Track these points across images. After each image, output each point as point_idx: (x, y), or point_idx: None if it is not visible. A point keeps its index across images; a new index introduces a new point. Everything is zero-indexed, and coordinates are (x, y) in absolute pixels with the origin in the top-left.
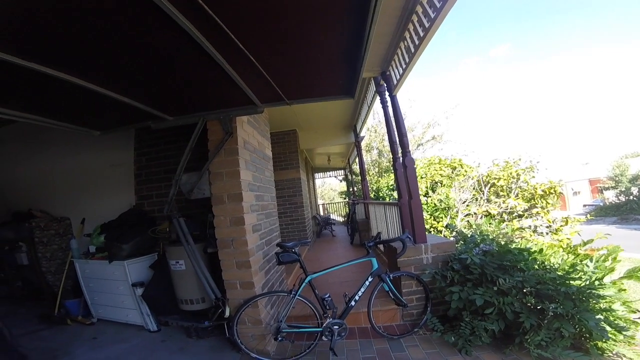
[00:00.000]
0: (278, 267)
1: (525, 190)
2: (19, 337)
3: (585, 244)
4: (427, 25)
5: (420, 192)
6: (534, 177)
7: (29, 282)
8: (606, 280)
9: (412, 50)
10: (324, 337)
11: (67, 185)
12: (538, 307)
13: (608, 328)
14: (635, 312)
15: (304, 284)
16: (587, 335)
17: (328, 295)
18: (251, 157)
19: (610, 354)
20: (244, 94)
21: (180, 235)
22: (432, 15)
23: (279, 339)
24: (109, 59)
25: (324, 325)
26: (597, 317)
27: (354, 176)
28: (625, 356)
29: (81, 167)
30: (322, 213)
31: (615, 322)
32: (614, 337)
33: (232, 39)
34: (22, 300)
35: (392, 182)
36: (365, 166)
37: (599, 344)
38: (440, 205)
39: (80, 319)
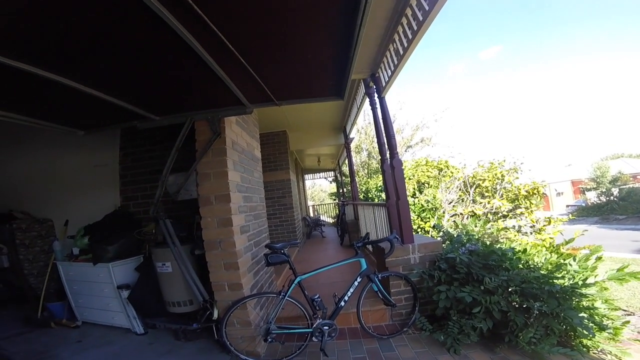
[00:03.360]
0: (267, 268)
1: (510, 191)
2: (2, 340)
3: (567, 243)
4: (415, 27)
5: (408, 193)
6: (517, 178)
7: (10, 284)
8: (590, 280)
9: (401, 52)
10: (314, 338)
11: (50, 186)
12: (524, 306)
13: (592, 325)
14: (617, 310)
15: (293, 285)
16: (572, 332)
17: (318, 296)
18: (239, 158)
19: (596, 351)
20: (232, 94)
21: (166, 237)
22: (421, 18)
23: (269, 340)
24: (93, 57)
25: (314, 326)
26: (581, 315)
27: (343, 177)
28: (611, 353)
29: (64, 168)
30: (312, 214)
31: (599, 319)
32: (598, 334)
33: (222, 39)
34: (4, 303)
35: (380, 184)
36: (355, 167)
37: (584, 341)
38: (428, 205)
39: (65, 322)
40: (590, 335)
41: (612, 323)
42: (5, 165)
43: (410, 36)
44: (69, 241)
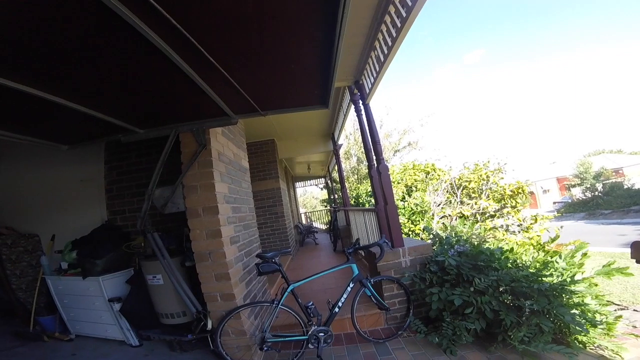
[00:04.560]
0: (260, 277)
1: (495, 191)
2: None
3: (552, 240)
4: (394, 34)
5: (397, 197)
6: (502, 178)
7: None
8: (578, 277)
9: (382, 59)
10: (310, 345)
11: (35, 201)
12: (515, 305)
13: (584, 322)
14: (609, 305)
15: (286, 293)
16: (566, 330)
17: (311, 303)
18: (227, 169)
19: (592, 347)
20: (216, 105)
21: (155, 250)
22: (399, 25)
23: (265, 348)
24: (75, 72)
25: (310, 333)
26: (572, 311)
27: (334, 184)
28: (607, 348)
29: (49, 183)
30: (304, 222)
31: (591, 316)
32: (592, 330)
33: (202, 52)
34: None
35: (370, 189)
36: (345, 173)
37: (579, 337)
38: (417, 209)
39: (58, 335)
40: (584, 332)
41: (605, 318)
42: None
43: (390, 43)
44: (57, 256)
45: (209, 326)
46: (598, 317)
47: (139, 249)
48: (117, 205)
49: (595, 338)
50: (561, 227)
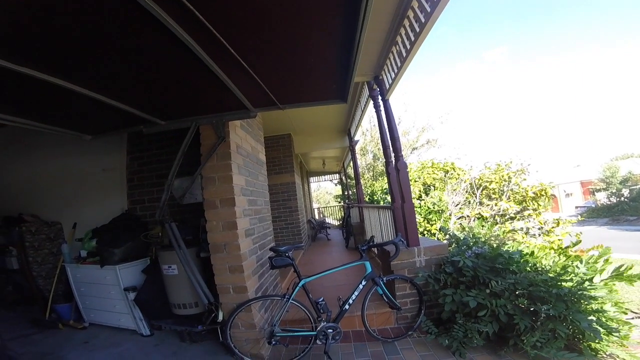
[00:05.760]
0: (272, 271)
1: (517, 192)
2: (9, 341)
3: (574, 245)
4: (418, 29)
5: (413, 196)
6: (525, 179)
7: (19, 286)
8: (595, 280)
9: (404, 54)
10: (318, 341)
11: (58, 189)
12: (531, 309)
13: (600, 329)
14: (626, 313)
15: (297, 287)
16: (580, 336)
17: (322, 299)
18: (244, 162)
19: (604, 355)
20: (236, 98)
21: (172, 240)
22: (423, 20)
23: (273, 342)
24: (99, 63)
25: (318, 329)
26: (589, 318)
27: (348, 180)
28: (618, 357)
29: (72, 171)
30: (317, 217)
31: (607, 323)
32: (606, 338)
33: (224, 45)
34: (13, 305)
35: (386, 186)
36: (360, 170)
37: (592, 344)
38: (434, 208)
39: (72, 323)
40: (598, 339)
41: (622, 326)
42: (15, 169)
43: (412, 38)
44: (77, 244)
45: (220, 318)
46: (614, 325)
47: (157, 239)
48: (137, 195)
49: (609, 346)
50: (580, 233)
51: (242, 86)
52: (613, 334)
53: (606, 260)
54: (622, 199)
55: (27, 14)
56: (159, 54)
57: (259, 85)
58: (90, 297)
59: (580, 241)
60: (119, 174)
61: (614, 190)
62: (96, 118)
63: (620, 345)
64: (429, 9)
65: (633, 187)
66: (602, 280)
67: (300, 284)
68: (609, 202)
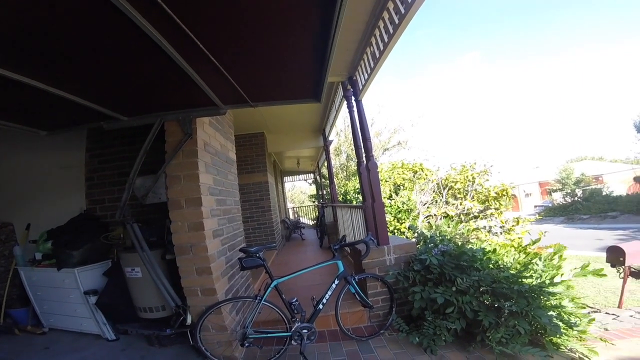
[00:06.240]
0: (243, 272)
1: (480, 192)
2: None
3: (533, 242)
4: (392, 30)
5: (384, 195)
6: (488, 180)
7: None
8: (557, 279)
9: (377, 55)
10: (293, 342)
11: (10, 188)
12: (495, 305)
13: (560, 324)
14: (584, 308)
15: (269, 288)
16: (542, 331)
17: (295, 299)
18: (212, 160)
19: (565, 349)
20: (205, 95)
21: (134, 241)
22: (397, 21)
23: (246, 344)
24: (56, 55)
25: (293, 329)
26: (549, 313)
27: (323, 179)
28: (577, 351)
29: (25, 169)
30: (291, 216)
31: (567, 318)
32: (566, 333)
33: (192, 39)
34: None
35: (358, 186)
36: (334, 170)
37: (554, 339)
38: (403, 207)
39: (30, 329)
40: (559, 334)
41: (580, 321)
42: None
43: (386, 39)
44: (31, 246)
45: (189, 321)
46: (573, 319)
47: (118, 241)
48: (97, 195)
49: (569, 340)
50: (545, 232)
51: (211, 82)
52: (573, 328)
53: (560, 257)
54: (576, 198)
55: None
56: (122, 46)
57: (229, 82)
58: (49, 301)
59: (540, 239)
60: (77, 171)
61: (568, 191)
62: (52, 113)
63: (580, 340)
64: (403, 11)
65: (585, 188)
66: (562, 280)
67: (272, 285)
68: (564, 202)
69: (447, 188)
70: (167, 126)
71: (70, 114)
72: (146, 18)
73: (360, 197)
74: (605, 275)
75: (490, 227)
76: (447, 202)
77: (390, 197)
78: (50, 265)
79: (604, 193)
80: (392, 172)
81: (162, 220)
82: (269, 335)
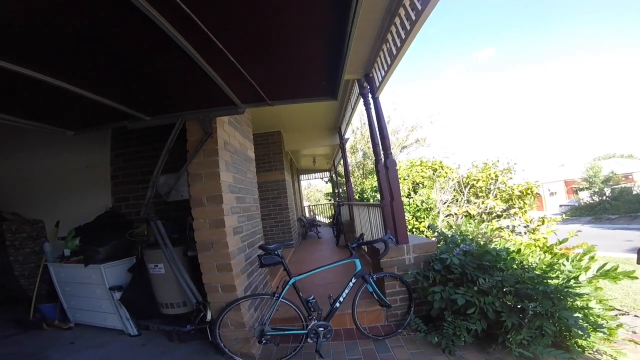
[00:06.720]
0: (261, 269)
1: (504, 191)
2: None
3: (560, 242)
4: (408, 27)
5: (402, 193)
6: (511, 178)
7: (1, 286)
8: (581, 278)
9: (394, 52)
10: (309, 339)
11: (41, 187)
12: (518, 306)
13: (587, 326)
14: (612, 310)
15: (287, 286)
16: (567, 333)
17: (312, 297)
18: (232, 159)
19: (591, 351)
20: (224, 94)
21: (158, 238)
22: (414, 18)
23: (263, 341)
24: (81, 57)
25: (309, 327)
26: (575, 315)
27: (339, 178)
28: (605, 353)
29: (55, 169)
30: (307, 215)
31: (593, 319)
32: (593, 335)
33: (213, 40)
34: None
35: (375, 184)
36: (350, 168)
37: (579, 341)
38: (422, 206)
39: (57, 324)
40: (585, 336)
41: (607, 323)
42: None
43: (403, 36)
44: (60, 242)
45: (209, 317)
46: (600, 321)
47: (142, 237)
48: (122, 193)
49: (595, 343)
50: (578, 231)
51: (230, 82)
52: (599, 330)
53: (591, 258)
54: (604, 198)
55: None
56: (145, 49)
57: (248, 81)
58: (75, 296)
59: (567, 239)
60: (102, 170)
61: (596, 190)
62: (78, 113)
63: (607, 341)
64: (419, 7)
65: (614, 187)
66: (588, 279)
67: (290, 282)
68: (591, 201)
69: (469, 186)
70: (188, 125)
71: (96, 114)
72: (169, 21)
73: (378, 196)
74: (636, 277)
75: (514, 226)
76: (468, 201)
77: (408, 196)
78: (77, 261)
79: (634, 192)
80: (411, 170)
81: (183, 218)
82: (285, 332)
